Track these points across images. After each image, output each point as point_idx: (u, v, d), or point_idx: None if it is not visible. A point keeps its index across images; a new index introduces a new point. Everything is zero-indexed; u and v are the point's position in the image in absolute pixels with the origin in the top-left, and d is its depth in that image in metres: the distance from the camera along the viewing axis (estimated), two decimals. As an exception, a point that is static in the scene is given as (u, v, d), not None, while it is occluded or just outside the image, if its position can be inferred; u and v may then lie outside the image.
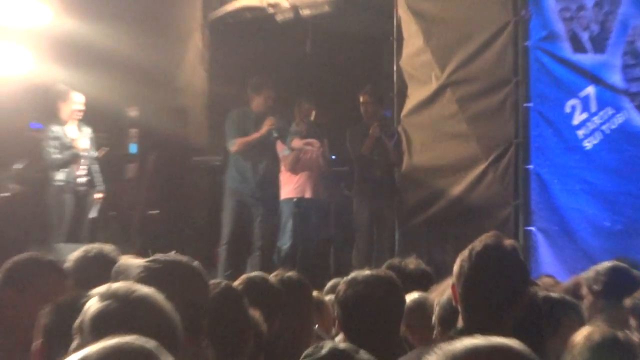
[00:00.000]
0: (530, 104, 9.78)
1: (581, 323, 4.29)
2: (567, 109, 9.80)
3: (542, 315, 3.94)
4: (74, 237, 10.82)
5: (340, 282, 4.15)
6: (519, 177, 9.76)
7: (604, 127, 9.78)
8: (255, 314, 3.92)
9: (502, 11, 9.90)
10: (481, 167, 9.91)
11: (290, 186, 10.98)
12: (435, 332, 4.03)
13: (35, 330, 3.03)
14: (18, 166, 11.82)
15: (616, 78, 9.87)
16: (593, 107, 9.78)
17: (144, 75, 12.55)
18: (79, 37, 11.97)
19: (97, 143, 11.49)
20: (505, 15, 9.87)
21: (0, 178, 11.75)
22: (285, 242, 10.85)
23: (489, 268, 3.41)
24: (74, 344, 2.33)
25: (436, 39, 10.33)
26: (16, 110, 12.34)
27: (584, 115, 9.77)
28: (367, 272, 4.03)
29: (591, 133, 9.74)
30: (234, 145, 10.79)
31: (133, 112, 12.60)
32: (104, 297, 2.35)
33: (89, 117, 11.35)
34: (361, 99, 10.75)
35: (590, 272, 5.60)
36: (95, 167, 11.22)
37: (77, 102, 11.06)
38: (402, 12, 10.55)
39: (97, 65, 12.00)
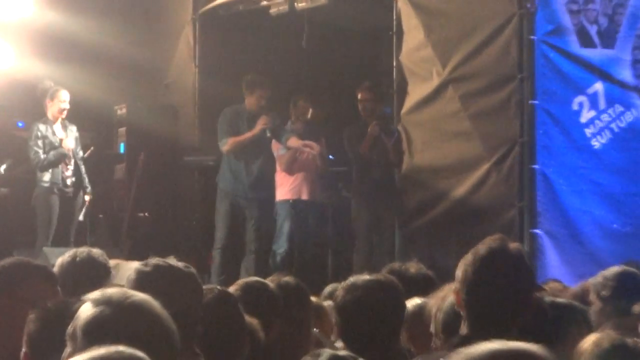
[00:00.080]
0: (536, 101, 9.79)
1: (589, 329, 4.32)
2: (575, 106, 9.83)
3: (548, 322, 3.97)
4: (61, 241, 10.83)
5: (338, 287, 4.17)
6: (524, 177, 9.77)
7: (612, 125, 9.81)
8: (252, 320, 3.93)
9: (507, 4, 9.91)
10: (485, 167, 9.93)
11: (286, 187, 11.00)
12: (434, 339, 4.05)
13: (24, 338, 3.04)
14: (3, 167, 11.84)
15: (626, 74, 9.91)
16: (601, 104, 9.82)
17: (132, 71, 12.57)
18: (63, 31, 11.99)
19: (82, 142, 11.50)
20: (509, 8, 9.88)
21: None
22: (281, 245, 10.87)
23: (493, 272, 3.43)
24: (66, 351, 2.35)
25: (437, 32, 10.34)
26: (1, 108, 12.36)
27: (592, 113, 9.80)
28: (366, 276, 4.04)
29: (599, 131, 9.78)
30: (226, 144, 10.80)
31: (121, 110, 12.61)
32: (97, 302, 2.34)
33: (75, 115, 11.36)
34: (359, 96, 10.76)
35: (598, 277, 5.64)
36: (82, 168, 11.23)
37: (64, 100, 11.06)
38: (402, 5, 10.56)
39: (82, 61, 12.03)
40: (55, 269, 4.70)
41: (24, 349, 3.02)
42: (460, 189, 10.07)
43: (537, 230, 9.67)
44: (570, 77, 9.82)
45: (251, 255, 10.73)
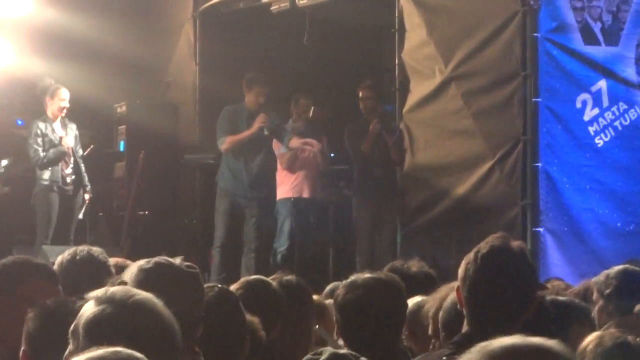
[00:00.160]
0: (539, 99, 9.81)
1: (592, 328, 4.34)
2: (578, 105, 9.84)
3: (551, 320, 3.99)
4: (61, 239, 10.85)
5: (339, 286, 4.17)
6: (527, 176, 9.78)
7: (616, 124, 9.83)
8: (254, 319, 3.94)
9: (510, 1, 9.92)
10: (487, 166, 9.95)
11: (287, 186, 11.02)
12: (433, 341, 4.05)
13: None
14: (3, 165, 11.85)
15: (630, 71, 9.92)
16: (605, 103, 9.83)
17: (133, 69, 12.58)
18: (62, 29, 12.00)
19: (82, 141, 11.51)
20: (513, 5, 9.89)
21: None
22: (282, 244, 10.89)
23: (495, 271, 3.44)
24: (69, 349, 2.35)
25: (440, 30, 10.35)
26: (0, 106, 12.37)
27: (596, 111, 9.81)
28: (367, 275, 4.04)
29: (603, 130, 9.79)
30: (224, 143, 10.83)
31: (121, 108, 12.62)
32: (100, 301, 2.34)
33: (75, 114, 11.37)
34: (360, 94, 10.78)
35: (601, 276, 5.67)
36: (82, 167, 11.25)
37: (64, 98, 11.07)
38: (405, 2, 10.57)
39: (82, 59, 12.03)
40: (55, 268, 4.70)
41: (23, 348, 3.02)
42: (463, 188, 10.08)
43: (540, 229, 9.69)
44: (574, 75, 9.82)
45: (252, 254, 10.74)
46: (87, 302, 2.36)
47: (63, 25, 12.00)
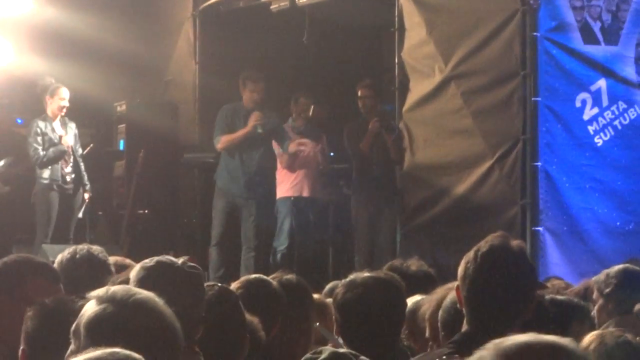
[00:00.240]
0: (539, 98, 9.81)
1: (591, 327, 4.35)
2: (578, 104, 9.84)
3: (550, 319, 3.99)
4: (61, 238, 10.85)
5: (338, 285, 4.17)
6: (527, 174, 9.78)
7: (615, 123, 9.83)
8: (253, 319, 3.93)
9: (509, 0, 9.93)
10: (487, 165, 9.95)
11: (287, 184, 11.02)
12: (430, 343, 4.05)
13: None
14: (3, 164, 11.85)
15: (629, 70, 9.92)
16: (604, 102, 9.83)
17: (132, 68, 12.58)
18: (62, 28, 11.99)
19: (82, 139, 11.52)
20: (512, 4, 9.90)
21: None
22: (282, 242, 10.90)
23: (495, 270, 3.44)
24: (70, 348, 2.35)
25: (440, 29, 10.35)
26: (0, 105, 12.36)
27: (595, 110, 9.81)
28: (366, 274, 4.03)
29: (602, 129, 9.79)
30: (219, 142, 10.85)
31: (121, 107, 12.62)
32: (101, 300, 2.34)
33: (74, 112, 11.37)
34: (359, 93, 10.79)
35: (601, 275, 5.68)
36: (81, 165, 11.25)
37: (64, 97, 11.08)
38: (404, 1, 10.56)
39: (82, 58, 12.03)
40: (55, 266, 4.70)
41: (21, 347, 3.02)
42: (462, 187, 10.09)
43: (539, 228, 9.69)
44: (573, 74, 9.83)
45: (251, 252, 10.75)
46: (88, 301, 2.36)
47: (63, 24, 12.00)
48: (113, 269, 5.00)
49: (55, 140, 11.02)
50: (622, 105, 9.86)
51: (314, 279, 8.37)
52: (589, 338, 3.72)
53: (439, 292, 4.09)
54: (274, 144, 11.02)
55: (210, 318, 3.47)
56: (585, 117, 9.81)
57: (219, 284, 3.88)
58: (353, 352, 3.29)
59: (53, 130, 11.05)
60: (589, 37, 9.87)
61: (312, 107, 11.22)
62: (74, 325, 2.34)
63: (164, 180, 12.31)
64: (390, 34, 10.88)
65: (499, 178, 9.88)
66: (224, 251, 10.79)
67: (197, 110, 12.56)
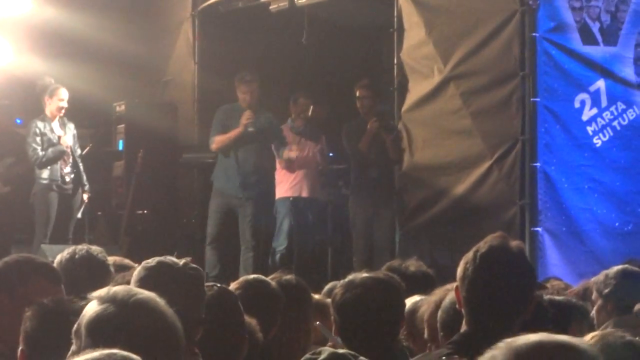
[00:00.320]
0: (538, 99, 9.81)
1: (590, 327, 4.35)
2: (576, 104, 9.84)
3: (549, 319, 4.00)
4: (60, 238, 10.85)
5: (337, 285, 4.17)
6: (526, 175, 9.78)
7: (614, 123, 9.83)
8: (251, 320, 3.93)
9: (509, 0, 9.93)
10: (486, 165, 9.95)
11: (286, 185, 11.03)
12: (429, 344, 4.05)
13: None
14: (2, 164, 11.84)
15: (628, 71, 9.92)
16: (603, 102, 9.83)
17: (131, 68, 12.57)
18: (61, 28, 11.99)
19: (81, 140, 11.52)
20: (511, 5, 9.90)
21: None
22: (281, 243, 10.90)
23: (494, 270, 3.44)
24: (72, 349, 2.36)
25: (439, 29, 10.35)
26: None
27: (594, 111, 9.82)
28: (365, 274, 4.03)
29: (601, 129, 9.79)
30: (213, 143, 10.87)
31: (120, 107, 12.62)
32: (102, 300, 2.34)
33: (73, 112, 11.37)
34: (357, 93, 10.80)
35: (600, 276, 5.69)
36: (80, 165, 11.25)
37: (63, 98, 11.08)
38: (403, 1, 10.57)
39: (81, 58, 12.03)
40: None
41: (20, 347, 3.02)
42: (461, 187, 10.09)
43: (538, 229, 9.69)
44: (572, 74, 9.83)
45: (250, 252, 10.74)
46: (88, 301, 2.36)
47: (62, 24, 12.00)
48: (112, 269, 5.00)
49: (54, 141, 11.02)
50: (621, 105, 9.86)
51: (313, 279, 8.39)
52: (589, 338, 3.71)
53: (437, 292, 4.09)
54: (273, 145, 11.02)
55: (209, 319, 3.46)
56: (584, 117, 9.81)
57: (218, 285, 3.88)
58: (352, 352, 3.29)
59: (52, 130, 11.05)
60: (588, 37, 9.88)
61: (312, 107, 11.23)
62: (75, 326, 2.34)
63: (163, 180, 12.31)
64: (389, 34, 10.88)
65: (498, 179, 9.88)
66: (219, 250, 10.79)
67: (196, 111, 12.56)
